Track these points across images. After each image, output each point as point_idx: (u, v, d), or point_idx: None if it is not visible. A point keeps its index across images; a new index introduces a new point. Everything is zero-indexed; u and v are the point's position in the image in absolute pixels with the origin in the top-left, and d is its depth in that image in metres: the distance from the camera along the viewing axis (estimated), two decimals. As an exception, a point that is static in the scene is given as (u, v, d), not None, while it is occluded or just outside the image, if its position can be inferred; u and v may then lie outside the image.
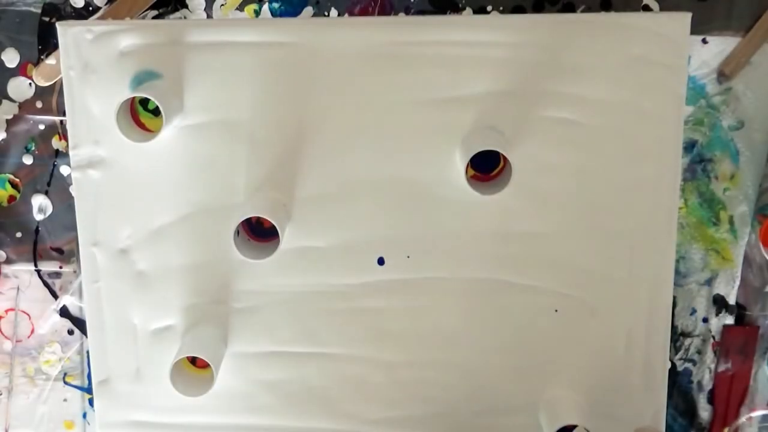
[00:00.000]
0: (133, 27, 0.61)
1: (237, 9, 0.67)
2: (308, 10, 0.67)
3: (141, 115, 0.63)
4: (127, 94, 0.58)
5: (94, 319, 0.66)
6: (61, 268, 0.72)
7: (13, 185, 0.71)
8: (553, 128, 0.62)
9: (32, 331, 0.73)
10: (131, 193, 0.64)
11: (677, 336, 0.71)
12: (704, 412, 0.72)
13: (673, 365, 0.71)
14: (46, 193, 0.71)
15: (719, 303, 0.70)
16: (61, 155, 0.70)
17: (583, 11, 0.66)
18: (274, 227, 0.57)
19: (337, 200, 0.63)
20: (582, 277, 0.63)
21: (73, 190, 0.68)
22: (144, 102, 0.63)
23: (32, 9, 0.68)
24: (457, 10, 0.66)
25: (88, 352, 0.70)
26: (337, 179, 0.63)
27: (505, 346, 0.65)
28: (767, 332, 0.71)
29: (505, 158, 0.57)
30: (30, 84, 0.69)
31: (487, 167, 0.63)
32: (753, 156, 0.68)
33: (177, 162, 0.63)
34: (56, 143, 0.70)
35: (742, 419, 0.72)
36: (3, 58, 0.68)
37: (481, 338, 0.64)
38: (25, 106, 0.69)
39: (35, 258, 0.72)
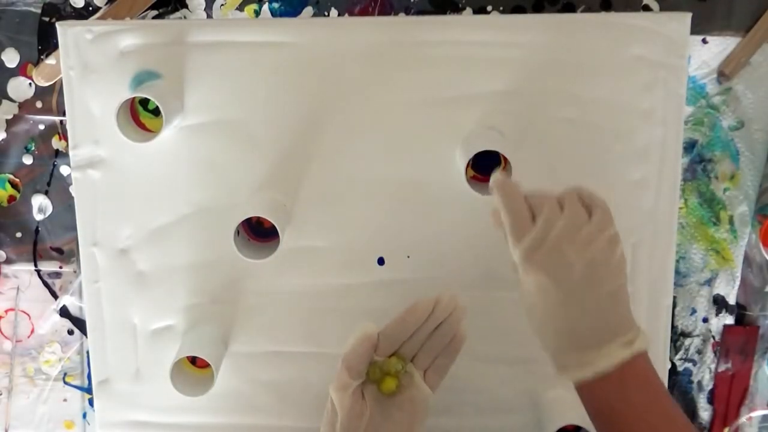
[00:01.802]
0: (133, 27, 0.61)
1: (237, 9, 0.67)
2: (308, 10, 0.67)
3: (141, 115, 0.63)
4: (127, 94, 0.58)
5: (94, 319, 0.66)
6: (61, 268, 0.72)
7: (13, 185, 0.71)
8: (554, 128, 0.62)
9: (32, 331, 0.73)
10: (131, 193, 0.64)
11: (677, 336, 0.71)
12: (704, 412, 0.72)
13: (673, 365, 0.71)
14: (46, 193, 0.71)
15: (719, 303, 0.70)
16: (61, 155, 0.70)
17: (583, 11, 0.66)
18: (274, 227, 0.57)
19: (337, 200, 0.63)
20: (582, 277, 0.63)
21: (73, 190, 0.68)
22: (144, 102, 0.63)
23: (32, 9, 0.67)
24: (457, 10, 0.66)
25: (88, 352, 0.70)
26: (337, 179, 0.63)
27: (506, 346, 0.65)
28: (767, 332, 0.71)
29: (505, 158, 0.57)
30: (30, 84, 0.69)
31: (487, 167, 0.63)
32: (753, 156, 0.68)
33: (177, 162, 0.63)
34: (56, 143, 0.70)
35: (742, 419, 0.72)
36: (3, 58, 0.68)
37: (481, 338, 0.64)
38: (25, 106, 0.69)
39: (35, 258, 0.72)
